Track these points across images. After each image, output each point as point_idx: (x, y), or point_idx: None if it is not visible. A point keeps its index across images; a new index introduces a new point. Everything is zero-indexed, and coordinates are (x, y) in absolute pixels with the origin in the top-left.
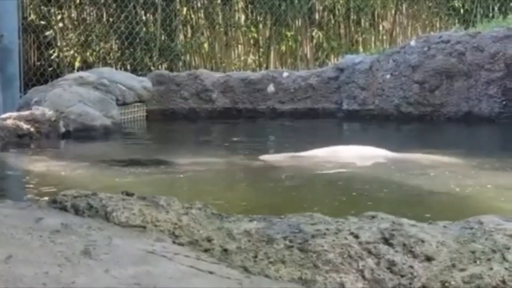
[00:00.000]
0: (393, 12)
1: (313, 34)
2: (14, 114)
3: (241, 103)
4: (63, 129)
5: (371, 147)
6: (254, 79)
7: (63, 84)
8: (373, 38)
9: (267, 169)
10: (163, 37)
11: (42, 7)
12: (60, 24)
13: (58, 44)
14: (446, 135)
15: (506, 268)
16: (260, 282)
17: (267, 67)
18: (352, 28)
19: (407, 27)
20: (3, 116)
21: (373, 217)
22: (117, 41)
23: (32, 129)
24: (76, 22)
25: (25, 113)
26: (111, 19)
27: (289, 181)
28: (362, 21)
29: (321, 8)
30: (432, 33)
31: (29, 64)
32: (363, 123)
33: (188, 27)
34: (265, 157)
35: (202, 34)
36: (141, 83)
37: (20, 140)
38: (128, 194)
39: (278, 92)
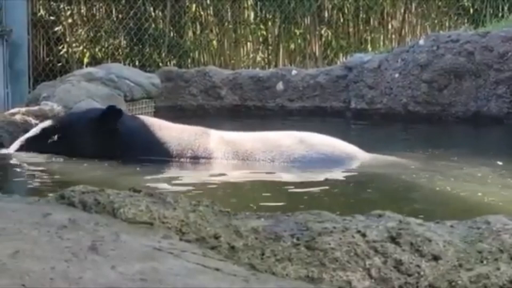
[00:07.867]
0: (402, 11)
1: (322, 32)
2: (23, 109)
3: (250, 101)
4: None
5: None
6: (263, 77)
7: (71, 79)
8: (382, 37)
9: None
10: (172, 34)
11: (52, 3)
12: (69, 20)
13: (67, 39)
14: (451, 135)
15: None
16: (266, 279)
17: (276, 65)
18: (361, 27)
19: (416, 26)
20: (12, 111)
21: (380, 215)
22: (126, 37)
23: None
24: (85, 18)
25: (34, 108)
26: (120, 15)
27: None
28: (371, 20)
29: (330, 6)
30: (441, 32)
31: (38, 59)
32: (370, 122)
33: (197, 24)
34: None
35: (211, 31)
36: (149, 79)
37: None
38: (135, 190)
39: (287, 90)
